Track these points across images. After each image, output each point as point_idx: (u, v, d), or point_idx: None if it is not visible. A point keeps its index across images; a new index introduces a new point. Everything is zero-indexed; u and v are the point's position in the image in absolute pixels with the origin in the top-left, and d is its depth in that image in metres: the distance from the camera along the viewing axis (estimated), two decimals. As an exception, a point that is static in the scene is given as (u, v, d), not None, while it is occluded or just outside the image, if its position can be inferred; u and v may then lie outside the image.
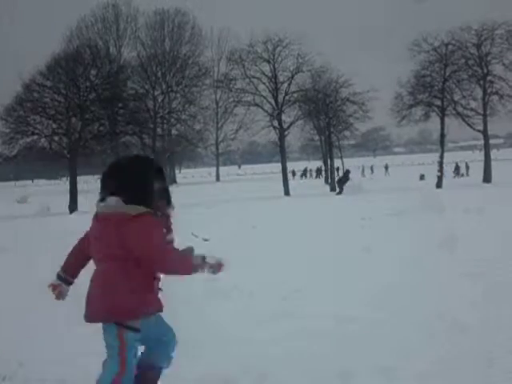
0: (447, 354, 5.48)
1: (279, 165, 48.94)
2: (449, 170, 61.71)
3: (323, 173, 73.18)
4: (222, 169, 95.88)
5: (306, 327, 6.50)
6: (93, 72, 44.55)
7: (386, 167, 76.58)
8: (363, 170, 76.02)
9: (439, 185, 43.60)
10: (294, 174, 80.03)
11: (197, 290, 8.85)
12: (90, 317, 4.46)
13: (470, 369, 5.14)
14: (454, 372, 5.10)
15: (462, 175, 59.89)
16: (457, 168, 61.95)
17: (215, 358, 5.74)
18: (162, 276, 4.48)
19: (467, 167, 60.34)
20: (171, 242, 4.49)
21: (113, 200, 4.25)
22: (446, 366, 5.22)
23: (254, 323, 6.96)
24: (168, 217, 4.55)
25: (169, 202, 4.57)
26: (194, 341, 6.25)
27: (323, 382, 5.14)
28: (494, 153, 59.62)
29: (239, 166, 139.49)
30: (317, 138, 55.05)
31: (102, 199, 4.33)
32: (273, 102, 47.35)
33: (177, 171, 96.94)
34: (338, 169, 54.16)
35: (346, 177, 41.65)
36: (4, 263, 13.36)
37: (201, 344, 6.20)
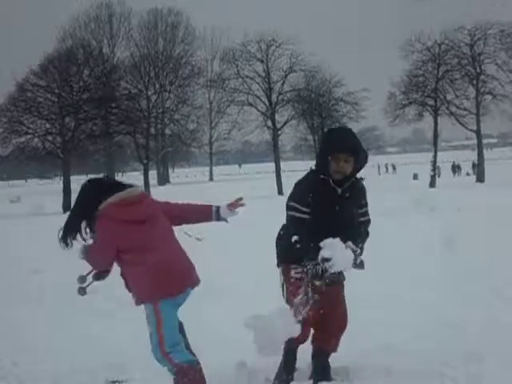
0: (438, 351, 5.52)
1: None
2: (447, 168, 61.65)
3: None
4: (218, 168, 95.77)
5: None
6: (86, 72, 44.49)
7: (394, 167, 78.41)
8: (379, 168, 77.12)
9: (432, 184, 43.72)
10: None
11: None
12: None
13: (460, 364, 5.19)
14: (445, 368, 5.14)
15: (468, 174, 59.05)
16: (455, 167, 61.70)
17: (213, 358, 5.75)
18: None
19: (474, 166, 58.28)
20: None
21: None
22: (438, 363, 5.26)
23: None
24: None
25: None
26: (194, 340, 6.27)
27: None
28: (488, 152, 59.38)
29: (240, 166, 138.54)
30: (310, 137, 55.07)
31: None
32: (266, 101, 47.41)
33: (170, 171, 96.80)
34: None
35: None
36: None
37: (199, 344, 6.22)
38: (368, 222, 5.10)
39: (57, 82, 42.00)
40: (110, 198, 4.69)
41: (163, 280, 4.65)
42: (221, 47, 66.00)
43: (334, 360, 5.34)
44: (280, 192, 42.66)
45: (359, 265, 4.78)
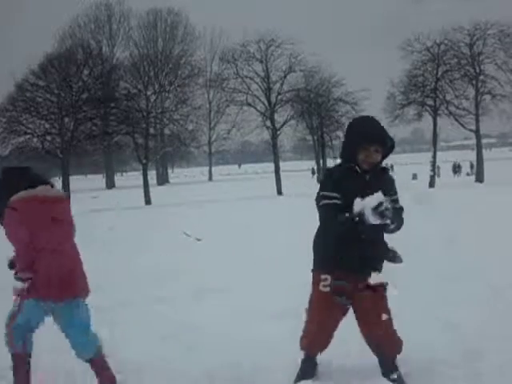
0: (438, 351, 5.52)
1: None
2: (448, 168, 61.56)
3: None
4: (218, 168, 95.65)
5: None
6: (85, 72, 44.53)
7: (392, 167, 78.97)
8: None
9: (432, 184, 43.71)
10: (313, 172, 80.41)
11: (192, 289, 8.87)
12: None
13: (460, 363, 5.20)
14: (445, 368, 5.15)
15: (468, 174, 58.81)
16: (456, 167, 61.61)
17: (212, 358, 5.76)
18: None
19: (472, 166, 57.96)
20: None
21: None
22: (438, 363, 5.26)
23: (251, 322, 6.98)
24: None
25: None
26: (196, 340, 6.28)
27: (324, 378, 5.15)
28: (487, 152, 59.07)
29: (239, 166, 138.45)
30: (309, 137, 55.10)
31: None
32: (265, 101, 47.38)
33: (169, 171, 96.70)
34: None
35: None
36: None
37: (198, 344, 6.23)
38: (401, 209, 5.17)
39: (56, 82, 42.04)
40: (22, 192, 4.73)
41: (43, 283, 4.74)
42: (220, 47, 66.00)
43: (333, 361, 5.34)
44: (279, 192, 42.67)
45: (397, 259, 4.96)
